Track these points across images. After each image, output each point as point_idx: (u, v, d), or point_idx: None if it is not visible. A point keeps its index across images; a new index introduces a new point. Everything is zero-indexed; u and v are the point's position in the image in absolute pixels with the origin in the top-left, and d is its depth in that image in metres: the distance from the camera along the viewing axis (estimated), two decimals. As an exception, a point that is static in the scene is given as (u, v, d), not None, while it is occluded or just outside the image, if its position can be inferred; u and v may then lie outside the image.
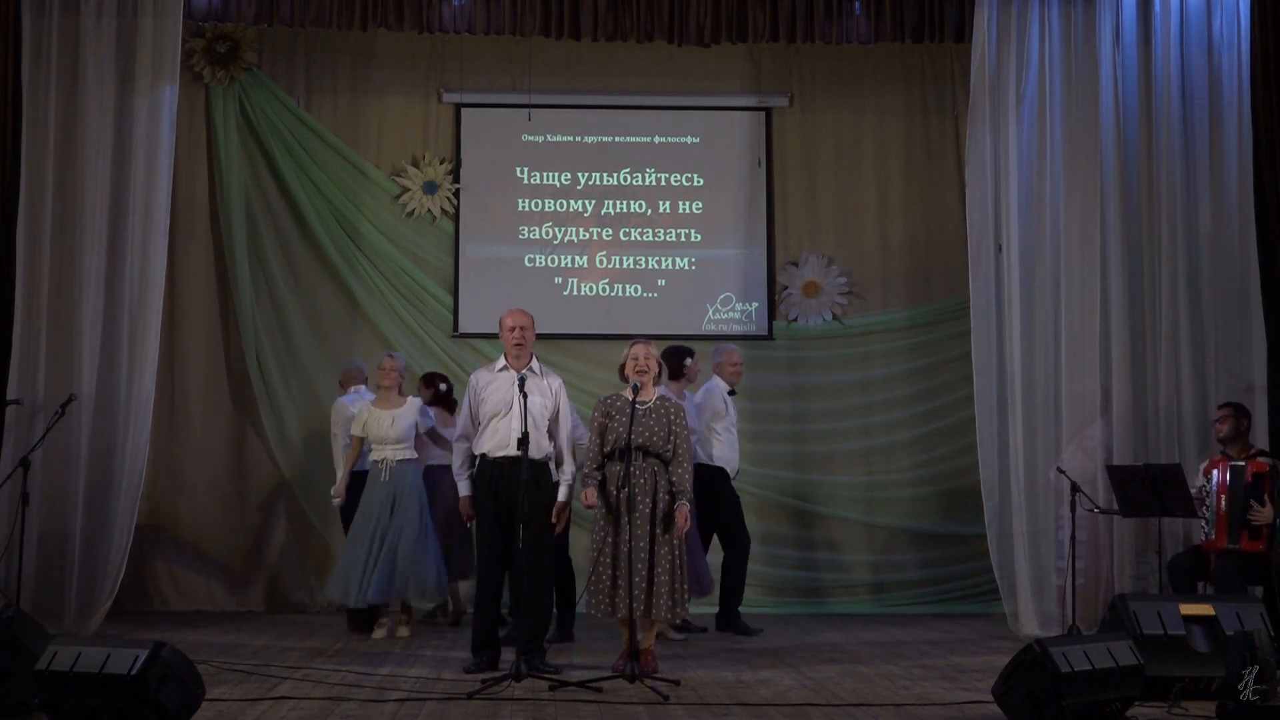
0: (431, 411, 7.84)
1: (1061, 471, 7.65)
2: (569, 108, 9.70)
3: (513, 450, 6.19)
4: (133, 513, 7.73)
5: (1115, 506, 7.50)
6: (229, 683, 5.96)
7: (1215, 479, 7.09)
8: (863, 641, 7.74)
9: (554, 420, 6.48)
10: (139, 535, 8.87)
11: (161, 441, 9.08)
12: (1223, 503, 7.02)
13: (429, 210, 9.57)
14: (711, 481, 7.75)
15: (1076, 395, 7.97)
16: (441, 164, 9.60)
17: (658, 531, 6.20)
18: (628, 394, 6.29)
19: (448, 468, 7.22)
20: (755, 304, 9.68)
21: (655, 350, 6.45)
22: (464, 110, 9.67)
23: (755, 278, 9.70)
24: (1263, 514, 6.88)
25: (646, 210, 9.73)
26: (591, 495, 6.25)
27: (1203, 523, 7.17)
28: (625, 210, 9.73)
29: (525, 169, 9.71)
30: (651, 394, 6.37)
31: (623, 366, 6.45)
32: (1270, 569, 6.88)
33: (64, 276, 7.82)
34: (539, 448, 6.34)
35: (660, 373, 6.50)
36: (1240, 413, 7.31)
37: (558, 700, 5.67)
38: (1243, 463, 7.08)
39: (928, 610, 9.19)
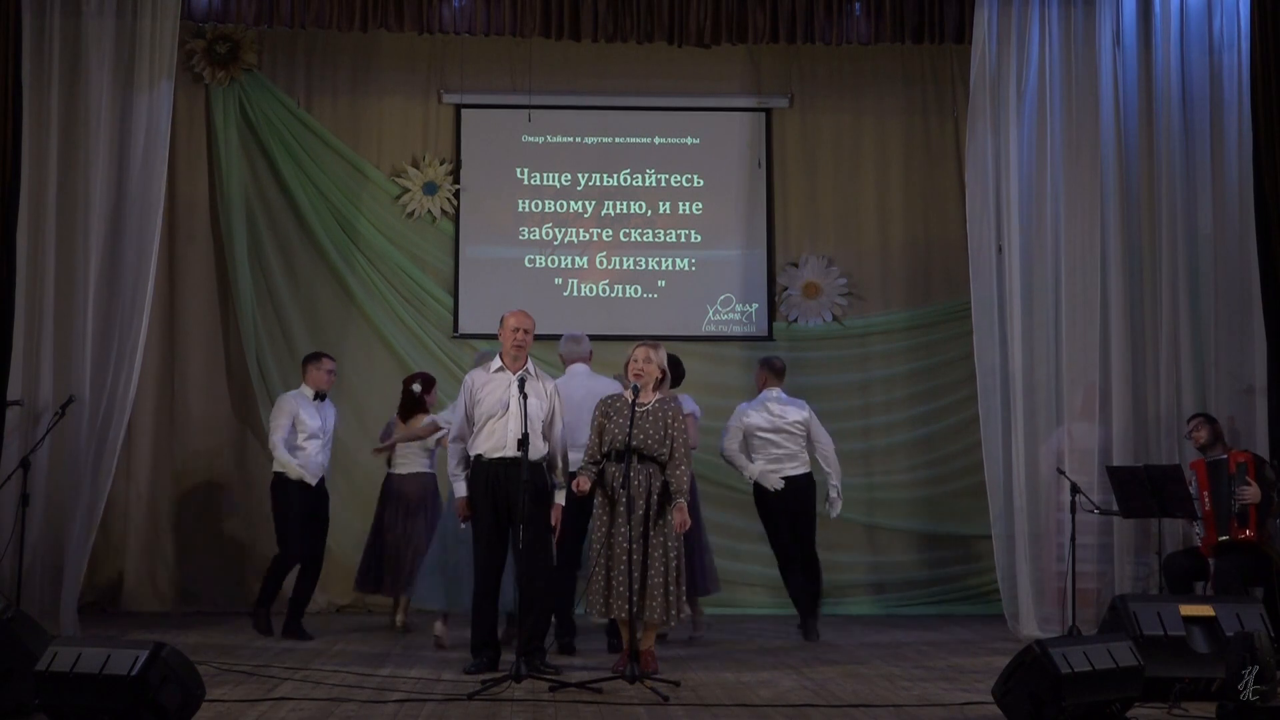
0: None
1: (1062, 473, 7.64)
2: (569, 108, 9.70)
3: (511, 451, 6.19)
4: (132, 513, 7.72)
5: (1115, 507, 7.50)
6: (229, 683, 5.96)
7: (1195, 480, 7.15)
8: (863, 642, 7.74)
9: (548, 423, 6.48)
10: (140, 536, 8.90)
11: (161, 442, 9.10)
12: (1206, 499, 7.06)
13: (429, 211, 9.56)
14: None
15: (1074, 397, 7.98)
16: (441, 165, 9.60)
17: (652, 534, 6.21)
18: (628, 395, 6.29)
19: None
20: (755, 305, 9.68)
21: (657, 354, 6.39)
22: (464, 111, 9.67)
23: (755, 278, 9.69)
24: (1249, 492, 6.91)
25: (646, 211, 9.72)
26: (585, 483, 6.22)
27: (1196, 526, 7.20)
28: (625, 211, 9.73)
29: (525, 170, 9.71)
30: (651, 397, 6.36)
31: (626, 366, 6.45)
32: (1271, 569, 6.89)
33: (65, 277, 7.81)
34: (536, 449, 6.34)
35: (664, 379, 6.47)
36: (1210, 420, 7.43)
37: (558, 701, 5.67)
38: (1222, 456, 7.12)
39: (928, 611, 9.19)
